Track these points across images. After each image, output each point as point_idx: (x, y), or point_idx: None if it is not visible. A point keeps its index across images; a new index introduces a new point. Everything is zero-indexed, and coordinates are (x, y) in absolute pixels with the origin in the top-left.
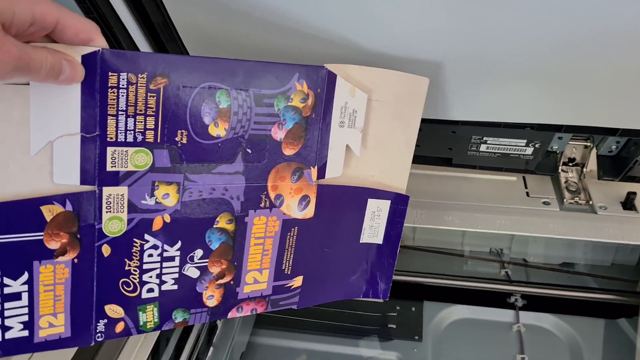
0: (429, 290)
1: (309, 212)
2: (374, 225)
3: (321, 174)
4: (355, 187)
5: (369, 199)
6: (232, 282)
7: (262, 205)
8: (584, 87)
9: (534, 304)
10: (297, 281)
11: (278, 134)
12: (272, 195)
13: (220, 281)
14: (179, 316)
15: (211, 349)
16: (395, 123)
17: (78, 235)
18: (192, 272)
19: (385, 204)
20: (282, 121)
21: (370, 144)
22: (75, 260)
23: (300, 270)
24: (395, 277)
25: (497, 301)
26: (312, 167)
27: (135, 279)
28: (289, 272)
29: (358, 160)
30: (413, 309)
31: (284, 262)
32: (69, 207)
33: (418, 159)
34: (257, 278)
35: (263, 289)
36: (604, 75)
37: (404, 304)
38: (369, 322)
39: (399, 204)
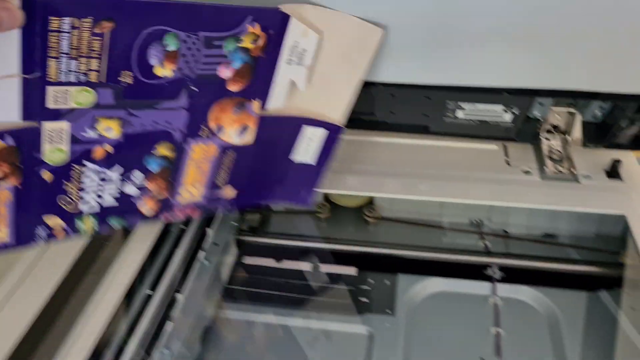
0: (403, 263)
1: (248, 139)
2: (307, 149)
3: (263, 105)
4: (295, 116)
5: (304, 126)
6: (168, 196)
7: (202, 134)
8: (561, 48)
9: (512, 276)
10: (230, 192)
11: (225, 72)
12: (213, 126)
13: (158, 197)
14: (116, 223)
15: (170, 323)
16: (342, 65)
17: (21, 166)
18: (131, 190)
19: (320, 132)
20: (230, 61)
21: (315, 80)
22: (19, 186)
23: (233, 183)
24: (368, 250)
25: (474, 273)
26: (254, 100)
27: (74, 197)
28: (222, 186)
29: (301, 94)
30: (387, 282)
31: (218, 178)
32: (10, 142)
33: (393, 127)
34: (192, 192)
35: (197, 200)
36: (582, 35)
37: (377, 277)
38: (340, 296)
39: (333, 132)
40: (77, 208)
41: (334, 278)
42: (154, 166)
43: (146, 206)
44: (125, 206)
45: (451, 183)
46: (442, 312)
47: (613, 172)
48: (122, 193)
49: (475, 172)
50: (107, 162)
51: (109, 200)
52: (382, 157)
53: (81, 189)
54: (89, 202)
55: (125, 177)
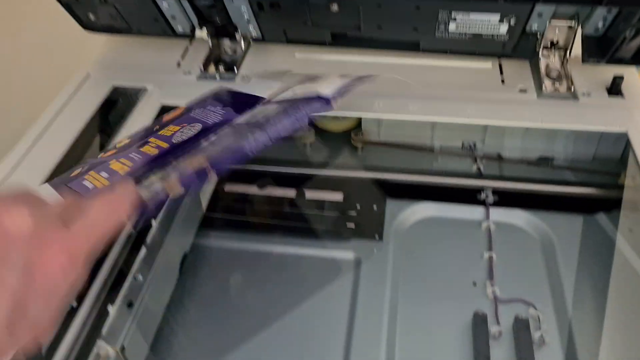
0: (392, 187)
1: None
2: None
3: None
4: None
5: None
6: None
7: None
8: None
9: (506, 199)
10: None
11: None
12: None
13: None
14: None
15: (143, 248)
16: None
17: None
18: None
19: None
20: None
21: None
22: None
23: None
24: (356, 175)
25: (466, 198)
26: None
27: None
28: None
29: None
30: (375, 207)
31: None
32: None
33: (382, 44)
34: None
35: None
36: None
37: (365, 202)
38: (326, 222)
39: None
40: None
41: (320, 204)
42: None
43: None
44: None
45: (443, 103)
46: (433, 237)
47: (614, 88)
48: None
49: (469, 91)
50: None
51: None
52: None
53: None
54: None
55: None
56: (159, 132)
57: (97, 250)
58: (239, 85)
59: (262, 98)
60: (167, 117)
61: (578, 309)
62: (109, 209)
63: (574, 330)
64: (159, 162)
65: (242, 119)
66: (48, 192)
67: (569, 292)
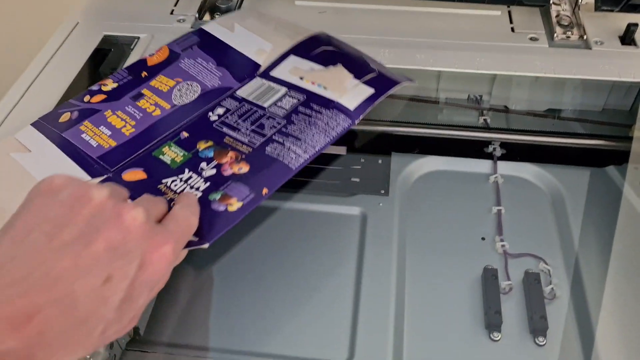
0: (397, 140)
1: None
2: None
3: None
4: None
5: None
6: None
7: None
8: None
9: (514, 152)
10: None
11: None
12: None
13: None
14: None
15: None
16: None
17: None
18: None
19: None
20: None
21: None
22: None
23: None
24: (360, 128)
25: (474, 151)
26: None
27: None
28: None
29: None
30: (379, 161)
31: None
32: None
33: None
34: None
35: None
36: None
37: (370, 157)
38: (330, 176)
39: None
40: None
41: (322, 158)
42: None
43: None
44: None
45: (450, 52)
46: (440, 191)
47: (628, 37)
48: None
49: (477, 41)
50: None
51: None
52: (374, 26)
53: None
54: None
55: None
56: (151, 84)
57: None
58: (222, 31)
59: (257, 65)
60: (151, 60)
61: (588, 262)
62: (189, 212)
63: (585, 283)
64: (171, 133)
65: (245, 92)
66: (32, 135)
67: (579, 245)
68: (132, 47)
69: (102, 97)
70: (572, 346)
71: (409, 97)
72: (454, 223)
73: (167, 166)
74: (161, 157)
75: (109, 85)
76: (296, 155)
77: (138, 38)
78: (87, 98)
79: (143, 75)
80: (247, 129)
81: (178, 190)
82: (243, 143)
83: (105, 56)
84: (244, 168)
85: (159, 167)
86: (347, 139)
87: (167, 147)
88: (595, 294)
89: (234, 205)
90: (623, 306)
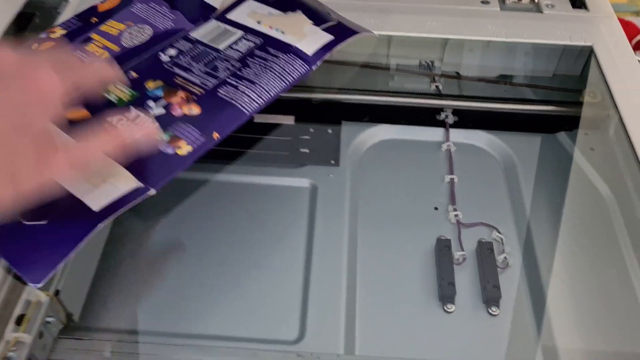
0: (347, 109)
1: None
2: None
3: None
4: None
5: None
6: None
7: None
8: None
9: (467, 120)
10: None
11: None
12: None
13: None
14: None
15: None
16: None
17: None
18: None
19: None
20: None
21: None
22: None
23: None
24: (307, 96)
25: (426, 119)
26: None
27: None
28: None
29: None
30: (329, 131)
31: None
32: None
33: None
34: None
35: None
36: None
37: (319, 126)
38: (278, 147)
39: None
40: None
41: (269, 129)
42: None
43: None
44: None
45: (401, 15)
46: (392, 161)
47: (578, 0)
48: None
49: (428, 3)
50: None
51: None
52: None
53: None
54: None
55: None
56: (101, 28)
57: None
58: None
59: (213, 8)
60: (102, 6)
61: (540, 229)
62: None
63: (536, 251)
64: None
65: (199, 33)
66: None
67: (531, 213)
68: (60, 10)
69: (50, 44)
70: (525, 314)
71: (359, 64)
72: (407, 193)
73: (113, 105)
74: (107, 95)
75: (58, 32)
76: (250, 100)
77: (67, 1)
78: (35, 46)
79: (93, 21)
80: (200, 71)
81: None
82: (195, 84)
83: (29, 22)
84: (194, 109)
85: (105, 105)
86: (296, 107)
87: (113, 85)
88: (547, 261)
89: (183, 148)
90: (574, 272)
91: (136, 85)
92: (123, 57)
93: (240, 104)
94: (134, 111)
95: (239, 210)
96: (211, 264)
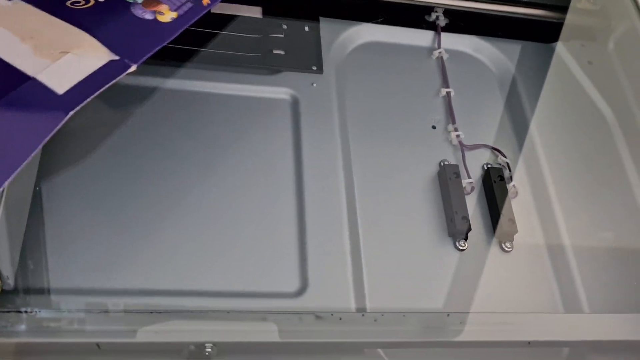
0: (325, 2)
1: None
2: None
3: None
4: None
5: None
6: None
7: None
8: None
9: (459, 22)
10: None
11: None
12: None
13: None
14: None
15: None
16: None
17: None
18: None
19: None
20: None
21: None
22: None
23: None
24: None
25: (414, 19)
26: None
27: None
28: None
29: None
30: (306, 28)
31: None
32: None
33: None
34: None
35: None
36: None
37: (293, 22)
38: (247, 47)
39: None
40: None
41: (233, 23)
42: None
43: None
44: None
45: None
46: (378, 68)
47: None
48: None
49: None
50: None
51: None
52: None
53: None
54: None
55: None
56: None
57: None
58: None
59: None
60: None
61: (547, 153)
62: None
63: (545, 178)
64: None
65: None
66: None
67: (532, 130)
68: None
69: None
70: (539, 248)
71: None
72: (400, 107)
73: None
74: None
75: None
76: None
77: None
78: None
79: None
80: None
81: None
82: None
83: None
84: None
85: None
86: None
87: None
88: (559, 189)
89: (166, 14)
90: (585, 198)
91: None
92: None
93: None
94: None
95: (208, 126)
96: (190, 206)
